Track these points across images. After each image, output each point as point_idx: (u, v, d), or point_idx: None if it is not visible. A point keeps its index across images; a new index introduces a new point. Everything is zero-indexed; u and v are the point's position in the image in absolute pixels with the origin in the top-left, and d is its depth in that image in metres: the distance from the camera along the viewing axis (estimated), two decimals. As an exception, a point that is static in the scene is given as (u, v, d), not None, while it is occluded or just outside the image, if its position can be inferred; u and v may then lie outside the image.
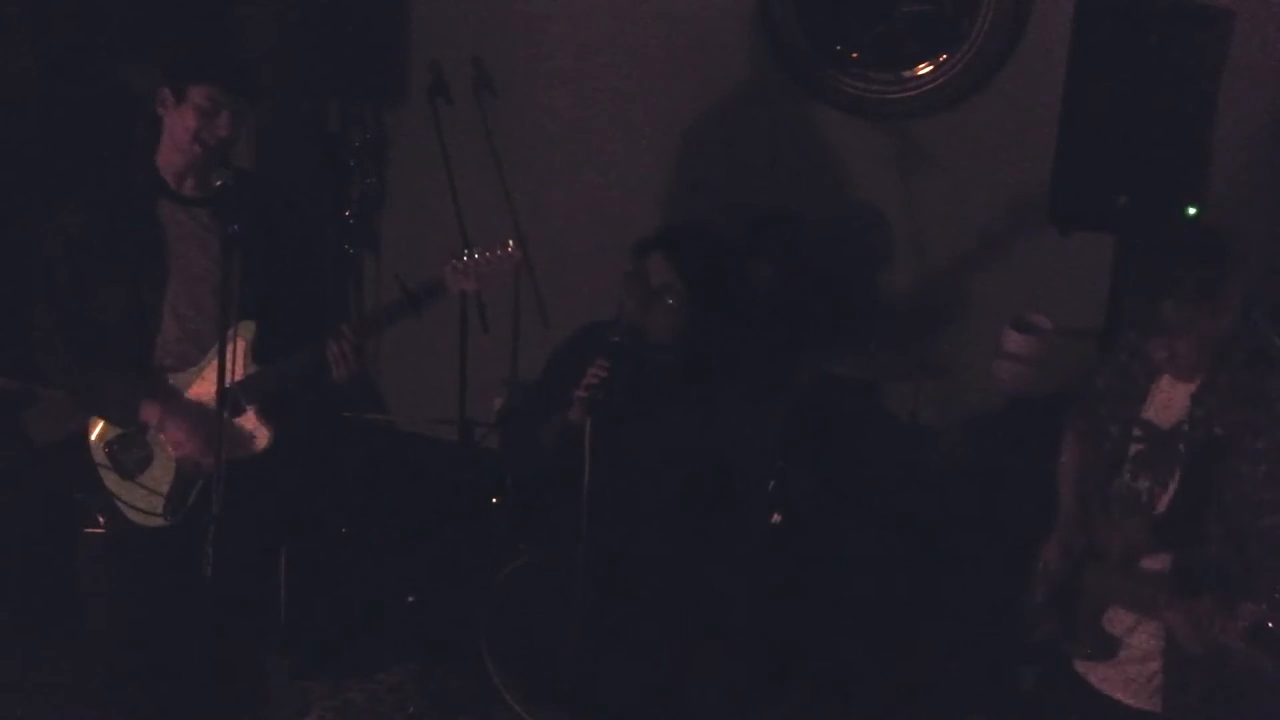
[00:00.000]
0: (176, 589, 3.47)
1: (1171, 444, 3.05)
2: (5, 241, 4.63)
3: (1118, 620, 3.14)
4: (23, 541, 4.51)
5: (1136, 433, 3.13)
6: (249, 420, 3.52)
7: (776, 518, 4.34)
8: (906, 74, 4.99)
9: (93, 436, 3.56)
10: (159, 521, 3.52)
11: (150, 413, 3.47)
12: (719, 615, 3.74)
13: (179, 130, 3.42)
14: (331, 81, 5.55)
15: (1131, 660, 3.13)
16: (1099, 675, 3.19)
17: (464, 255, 3.58)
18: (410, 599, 4.80)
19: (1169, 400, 3.10)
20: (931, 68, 4.96)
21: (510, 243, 3.64)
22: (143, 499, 3.53)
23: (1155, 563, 3.05)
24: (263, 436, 3.54)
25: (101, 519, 3.61)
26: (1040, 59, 4.69)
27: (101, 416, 3.54)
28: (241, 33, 5.33)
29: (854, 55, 5.07)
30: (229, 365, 3.27)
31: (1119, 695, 3.15)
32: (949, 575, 4.60)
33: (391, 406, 5.92)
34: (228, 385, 3.27)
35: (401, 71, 5.61)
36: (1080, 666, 3.23)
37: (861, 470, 4.78)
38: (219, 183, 3.34)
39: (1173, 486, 3.03)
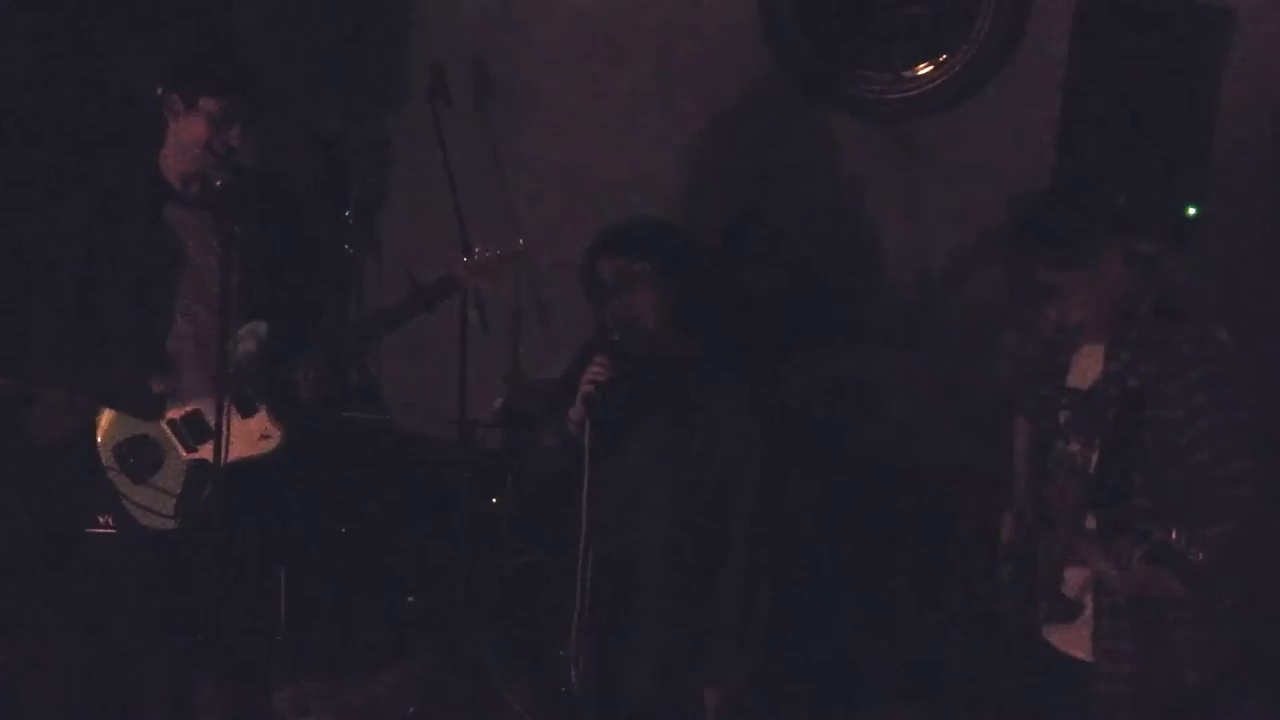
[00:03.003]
0: (183, 590, 3.47)
1: (1093, 404, 3.10)
2: (5, 242, 4.63)
3: (1073, 582, 3.17)
4: (23, 541, 4.51)
5: (1064, 401, 3.19)
6: (261, 420, 3.52)
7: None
8: (906, 74, 5.00)
9: (99, 439, 3.53)
10: (169, 524, 3.51)
11: (158, 383, 3.46)
12: (720, 614, 3.73)
13: (188, 137, 3.40)
14: (331, 81, 5.55)
15: (1086, 618, 3.16)
16: (1060, 637, 3.22)
17: (475, 252, 3.60)
18: (410, 599, 4.80)
19: (1087, 364, 3.15)
20: (931, 68, 4.96)
21: (520, 241, 3.67)
22: (153, 502, 3.51)
23: (1095, 521, 3.08)
24: (275, 437, 3.53)
25: (103, 519, 3.60)
26: (1040, 59, 4.68)
27: (113, 406, 3.51)
28: (241, 32, 5.33)
29: (854, 55, 5.07)
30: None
31: (1077, 653, 3.18)
32: (948, 575, 4.60)
33: (391, 406, 5.92)
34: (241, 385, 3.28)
35: (401, 72, 5.61)
36: (1046, 632, 3.25)
37: (861, 470, 4.78)
38: (219, 183, 3.35)
39: (1099, 444, 3.05)
